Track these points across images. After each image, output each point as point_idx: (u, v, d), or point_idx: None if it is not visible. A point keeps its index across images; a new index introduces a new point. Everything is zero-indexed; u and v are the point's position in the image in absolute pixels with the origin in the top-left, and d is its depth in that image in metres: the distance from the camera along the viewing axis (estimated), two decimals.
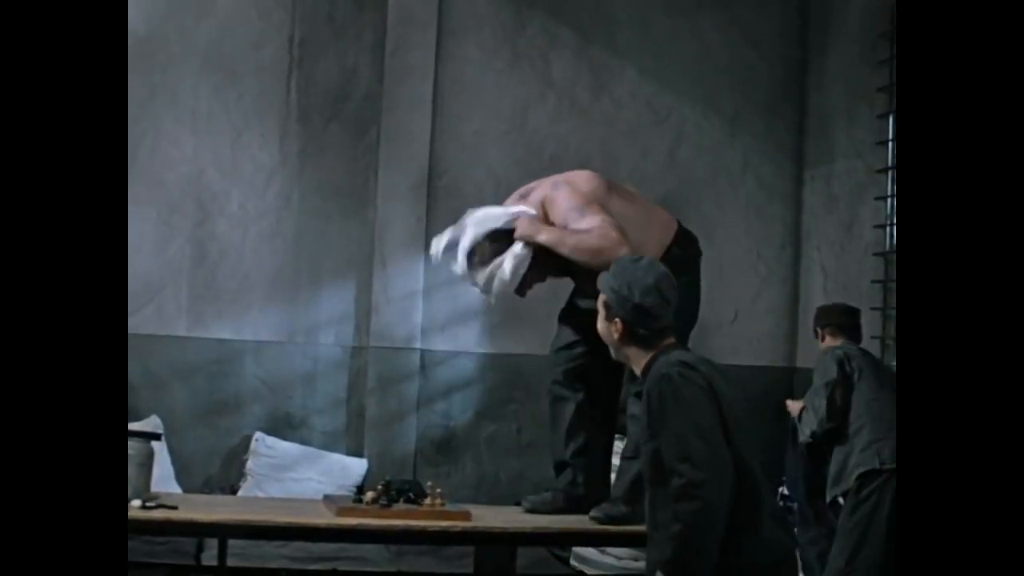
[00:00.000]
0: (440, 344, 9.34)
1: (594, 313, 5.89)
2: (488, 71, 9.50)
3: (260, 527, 5.46)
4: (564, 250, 5.56)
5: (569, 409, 5.91)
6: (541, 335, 8.11)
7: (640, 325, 4.60)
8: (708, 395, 4.40)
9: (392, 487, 5.62)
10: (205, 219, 9.10)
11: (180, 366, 9.00)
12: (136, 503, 5.32)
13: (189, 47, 9.11)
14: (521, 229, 5.64)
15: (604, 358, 5.87)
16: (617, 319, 4.64)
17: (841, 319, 7.58)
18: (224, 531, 5.72)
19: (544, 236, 5.59)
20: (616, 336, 4.67)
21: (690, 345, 5.13)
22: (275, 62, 9.25)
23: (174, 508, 5.42)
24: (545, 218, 5.70)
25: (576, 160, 8.51)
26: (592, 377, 5.90)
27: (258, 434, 8.90)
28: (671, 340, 4.68)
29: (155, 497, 5.51)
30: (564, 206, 5.66)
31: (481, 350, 9.42)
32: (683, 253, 5.80)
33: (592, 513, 5.67)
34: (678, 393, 4.37)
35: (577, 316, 5.95)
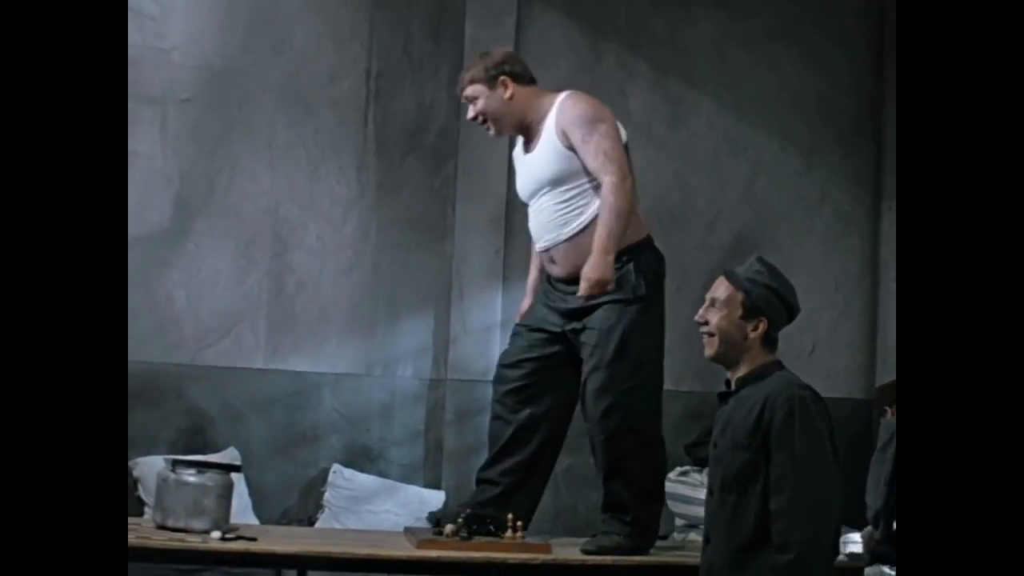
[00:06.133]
0: None
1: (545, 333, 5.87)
2: None
3: (340, 559, 5.45)
4: (615, 234, 5.60)
5: (507, 431, 5.87)
6: None
7: (778, 330, 4.44)
8: (831, 429, 4.32)
9: (472, 520, 5.62)
10: (283, 252, 9.14)
11: (258, 398, 9.03)
12: (216, 534, 5.35)
13: (265, 81, 9.17)
14: (587, 288, 5.63)
15: (552, 376, 5.87)
16: (764, 319, 4.39)
17: None
18: (304, 563, 5.73)
19: (602, 263, 5.60)
20: (753, 335, 4.40)
21: None
22: (351, 95, 9.29)
23: (253, 540, 5.45)
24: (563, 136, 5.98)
25: (653, 192, 8.51)
26: (536, 397, 5.88)
27: (336, 466, 8.91)
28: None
29: (234, 528, 5.54)
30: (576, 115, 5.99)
31: None
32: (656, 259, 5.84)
33: (584, 545, 5.64)
34: (811, 421, 4.23)
35: (529, 333, 6.00)
